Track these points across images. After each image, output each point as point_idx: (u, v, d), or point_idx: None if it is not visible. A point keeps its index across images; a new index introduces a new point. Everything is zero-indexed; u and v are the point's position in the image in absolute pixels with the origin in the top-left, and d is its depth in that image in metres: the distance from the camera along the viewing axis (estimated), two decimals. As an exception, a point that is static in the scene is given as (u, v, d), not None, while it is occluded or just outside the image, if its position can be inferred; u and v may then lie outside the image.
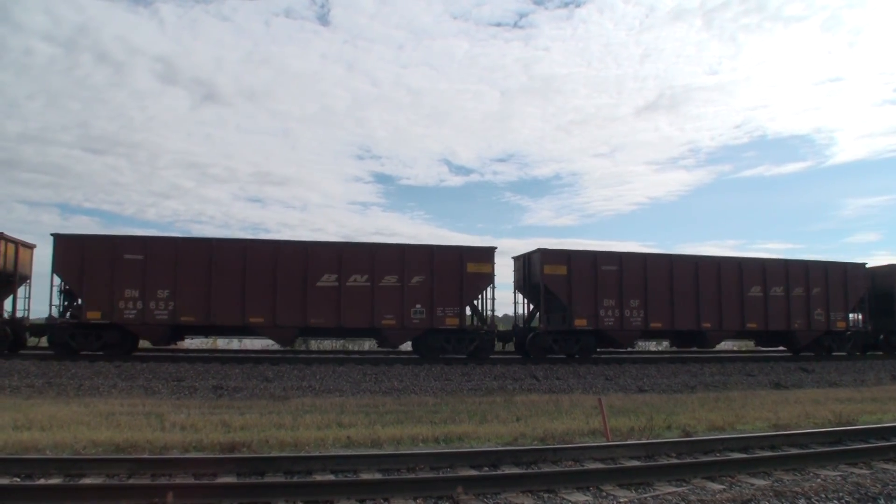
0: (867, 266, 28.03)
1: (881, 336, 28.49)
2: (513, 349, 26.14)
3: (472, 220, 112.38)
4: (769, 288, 25.71)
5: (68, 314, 21.56)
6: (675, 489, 7.96)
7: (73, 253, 20.90)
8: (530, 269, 24.45)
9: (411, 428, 11.94)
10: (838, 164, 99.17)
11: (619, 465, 9.05)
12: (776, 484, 8.16)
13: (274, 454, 9.33)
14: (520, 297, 25.70)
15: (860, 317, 28.01)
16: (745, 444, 10.53)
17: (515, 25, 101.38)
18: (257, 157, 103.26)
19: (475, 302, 23.26)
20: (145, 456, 8.90)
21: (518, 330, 25.33)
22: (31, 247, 23.58)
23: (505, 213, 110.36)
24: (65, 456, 8.76)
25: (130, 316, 20.92)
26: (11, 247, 22.06)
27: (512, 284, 25.93)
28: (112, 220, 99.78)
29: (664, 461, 9.35)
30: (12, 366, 18.83)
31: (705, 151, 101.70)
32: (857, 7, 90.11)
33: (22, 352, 22.08)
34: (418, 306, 22.21)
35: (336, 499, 7.23)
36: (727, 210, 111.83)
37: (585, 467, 8.96)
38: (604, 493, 7.81)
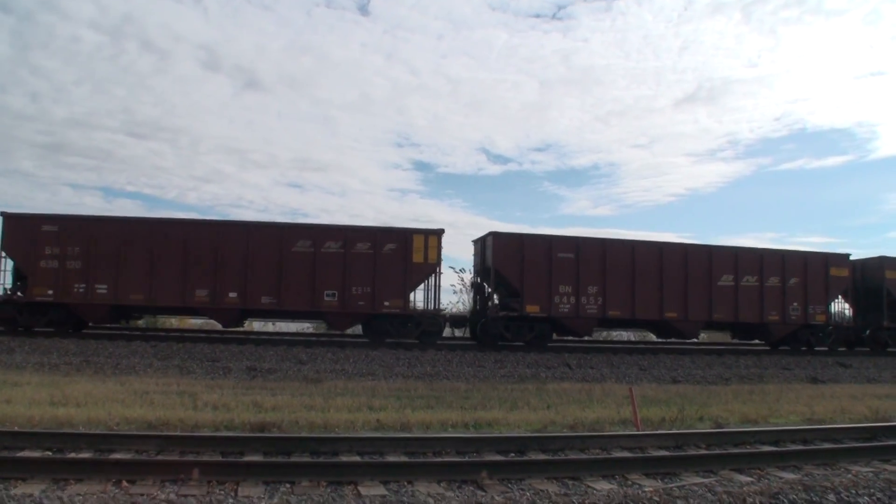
0: None
1: None
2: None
3: (509, 208, 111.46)
4: None
5: (493, 307, 22.93)
6: (702, 480, 7.83)
7: (511, 250, 22.57)
8: (864, 273, 27.21)
9: (442, 413, 11.93)
10: (880, 159, 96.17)
11: (646, 455, 8.94)
12: (806, 478, 7.98)
13: (302, 434, 9.40)
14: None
15: None
16: (776, 437, 10.34)
17: (554, 17, 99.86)
18: (298, 143, 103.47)
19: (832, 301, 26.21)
20: (174, 433, 9.04)
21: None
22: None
23: (542, 202, 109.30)
24: (96, 431, 8.93)
25: (565, 310, 22.77)
26: (435, 239, 22.09)
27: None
28: (154, 203, 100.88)
29: (692, 452, 9.23)
30: (52, 344, 19.29)
31: (744, 144, 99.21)
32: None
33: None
34: (795, 304, 25.20)
35: (360, 480, 7.23)
36: (767, 202, 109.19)
37: (612, 455, 8.87)
38: (629, 482, 7.71)
